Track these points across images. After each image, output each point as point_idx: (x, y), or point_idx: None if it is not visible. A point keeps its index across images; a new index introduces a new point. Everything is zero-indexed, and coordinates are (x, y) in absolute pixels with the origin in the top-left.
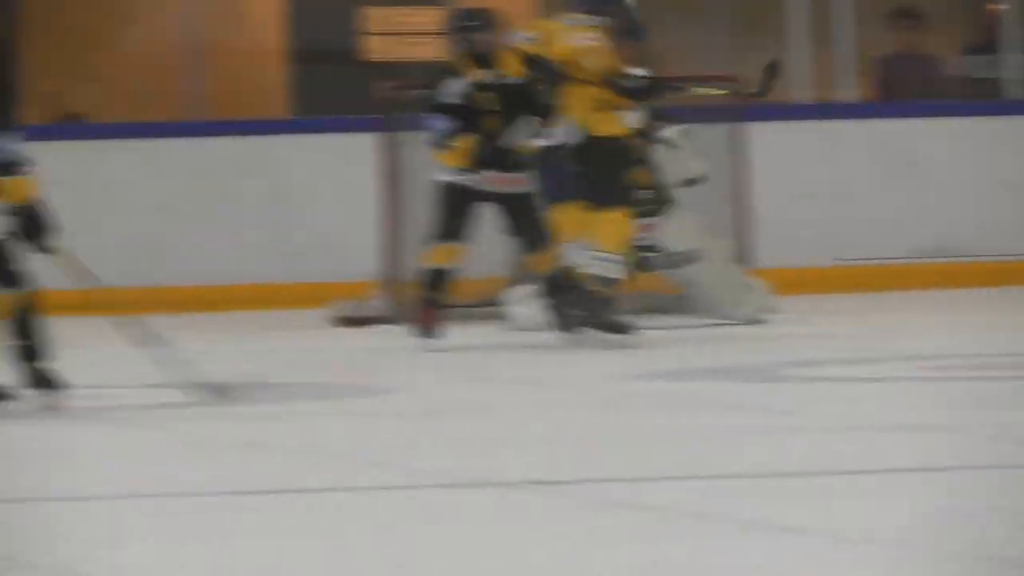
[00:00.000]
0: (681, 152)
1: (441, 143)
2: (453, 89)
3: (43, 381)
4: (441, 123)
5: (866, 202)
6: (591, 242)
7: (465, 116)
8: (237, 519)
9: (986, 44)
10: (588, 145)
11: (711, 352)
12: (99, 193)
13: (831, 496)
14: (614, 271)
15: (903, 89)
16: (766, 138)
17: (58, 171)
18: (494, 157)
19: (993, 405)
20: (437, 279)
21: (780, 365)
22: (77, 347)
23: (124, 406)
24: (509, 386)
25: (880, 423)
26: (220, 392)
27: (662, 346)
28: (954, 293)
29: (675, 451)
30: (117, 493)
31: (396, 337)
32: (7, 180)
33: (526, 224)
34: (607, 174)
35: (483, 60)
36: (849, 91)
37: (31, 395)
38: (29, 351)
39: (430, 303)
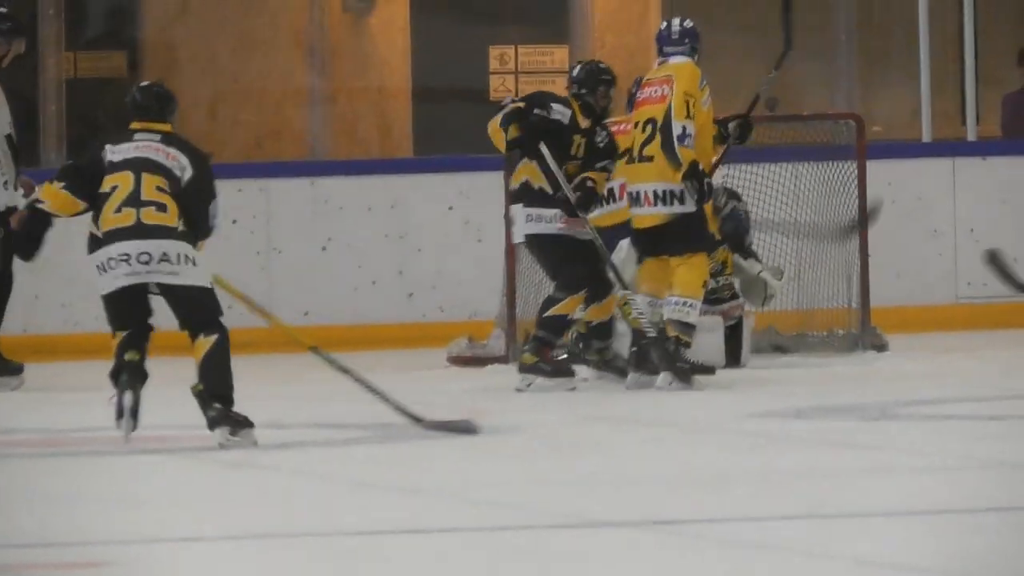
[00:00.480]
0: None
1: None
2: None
3: (226, 420)
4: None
5: (991, 240)
6: (671, 288)
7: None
8: (368, 557)
9: None
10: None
11: (826, 390)
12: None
13: (954, 533)
14: (692, 316)
15: None
16: (890, 175)
17: None
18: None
19: None
20: (564, 326)
21: (897, 403)
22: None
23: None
24: (623, 425)
25: (995, 460)
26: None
27: (776, 384)
28: None
29: (795, 490)
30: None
31: (512, 377)
32: None
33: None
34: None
35: (599, 114)
36: (976, 128)
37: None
38: (207, 394)
39: (551, 345)
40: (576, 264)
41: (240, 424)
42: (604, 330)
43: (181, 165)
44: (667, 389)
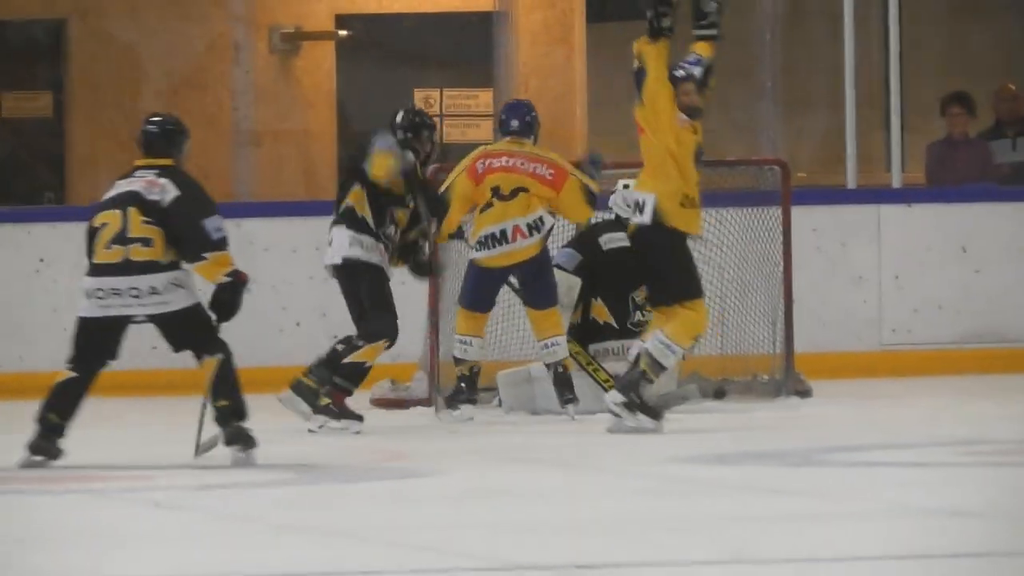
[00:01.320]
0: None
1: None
2: None
3: (240, 438)
4: None
5: (916, 286)
6: (661, 328)
7: None
8: None
9: (996, 129)
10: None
11: (750, 435)
12: None
13: None
14: (670, 360)
15: (954, 174)
16: (815, 221)
17: None
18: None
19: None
20: (363, 373)
21: (821, 450)
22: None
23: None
24: (546, 469)
25: (920, 508)
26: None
27: (699, 429)
28: (1005, 378)
29: (719, 536)
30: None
31: (435, 419)
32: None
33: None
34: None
35: (423, 160)
36: (901, 175)
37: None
38: (226, 411)
39: (347, 393)
40: (387, 312)
41: (250, 443)
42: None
43: (163, 191)
44: (621, 428)
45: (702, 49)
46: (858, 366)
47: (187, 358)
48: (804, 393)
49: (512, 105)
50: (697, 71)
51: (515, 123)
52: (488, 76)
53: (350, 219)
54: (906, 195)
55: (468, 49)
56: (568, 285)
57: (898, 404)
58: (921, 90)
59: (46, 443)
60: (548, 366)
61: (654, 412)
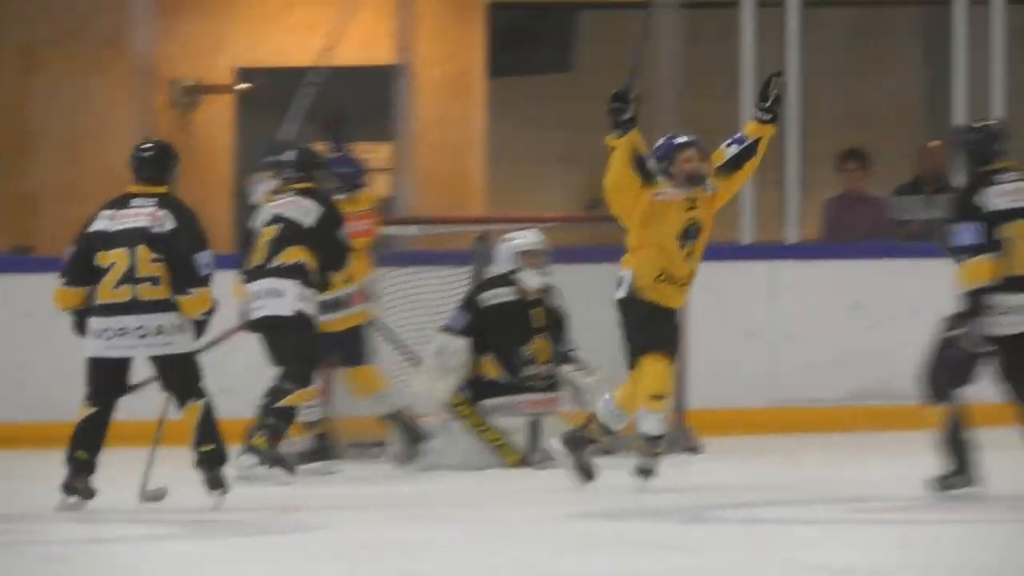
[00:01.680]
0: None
1: None
2: None
3: (219, 483)
4: None
5: (809, 343)
6: (611, 394)
7: None
8: None
9: (914, 185)
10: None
11: (642, 492)
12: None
13: None
14: (619, 425)
15: (850, 230)
16: (709, 277)
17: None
18: None
19: (918, 548)
20: (293, 416)
21: (711, 506)
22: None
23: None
24: (443, 523)
25: (812, 564)
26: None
27: (590, 484)
28: (896, 436)
29: None
30: None
31: (329, 474)
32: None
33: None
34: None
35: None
36: (795, 231)
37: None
38: (211, 456)
39: (282, 434)
40: (315, 358)
41: (226, 488)
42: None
43: (163, 223)
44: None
45: (752, 129)
46: (750, 422)
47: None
48: (695, 449)
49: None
50: (732, 149)
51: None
52: (387, 130)
53: (300, 274)
54: (801, 251)
55: (368, 102)
56: (454, 347)
57: (789, 461)
58: (819, 143)
59: (79, 483)
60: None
61: (587, 471)
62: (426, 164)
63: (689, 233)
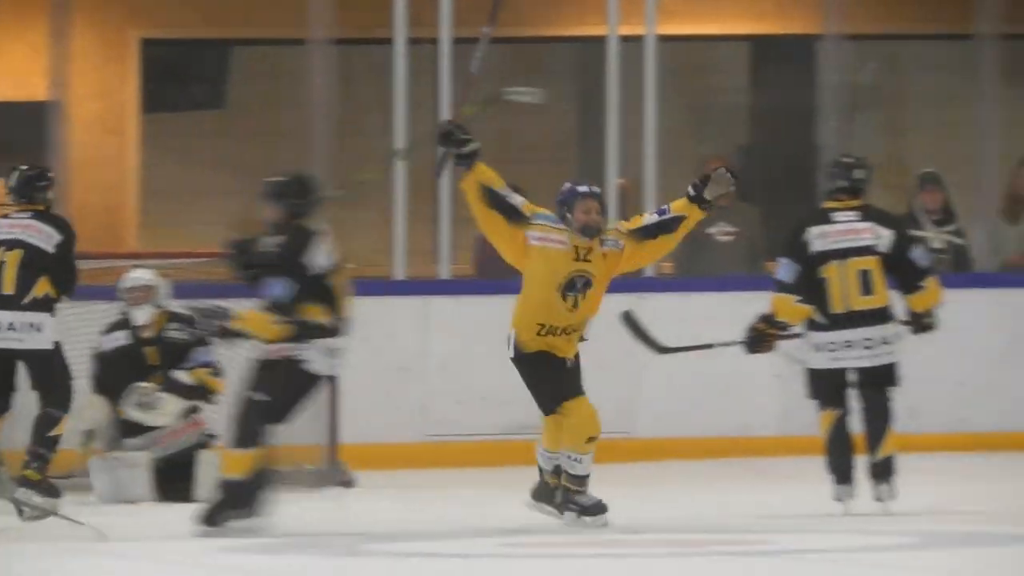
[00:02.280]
0: None
1: None
2: None
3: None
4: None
5: (461, 377)
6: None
7: None
8: None
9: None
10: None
11: (292, 526)
12: None
13: None
14: (583, 468)
15: (501, 265)
16: (361, 311)
17: None
18: None
19: None
20: (58, 442)
21: (365, 540)
22: None
23: None
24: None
25: None
26: None
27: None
28: None
29: None
30: None
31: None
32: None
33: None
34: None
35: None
36: (448, 267)
37: None
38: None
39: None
40: (71, 382)
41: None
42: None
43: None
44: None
45: (679, 206)
46: (402, 456)
47: None
48: (348, 483)
49: None
50: (650, 218)
51: None
52: (43, 165)
53: (50, 306)
54: (454, 287)
55: (22, 139)
56: (90, 404)
57: (442, 495)
58: None
59: None
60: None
61: (595, 509)
62: (80, 199)
63: (574, 285)
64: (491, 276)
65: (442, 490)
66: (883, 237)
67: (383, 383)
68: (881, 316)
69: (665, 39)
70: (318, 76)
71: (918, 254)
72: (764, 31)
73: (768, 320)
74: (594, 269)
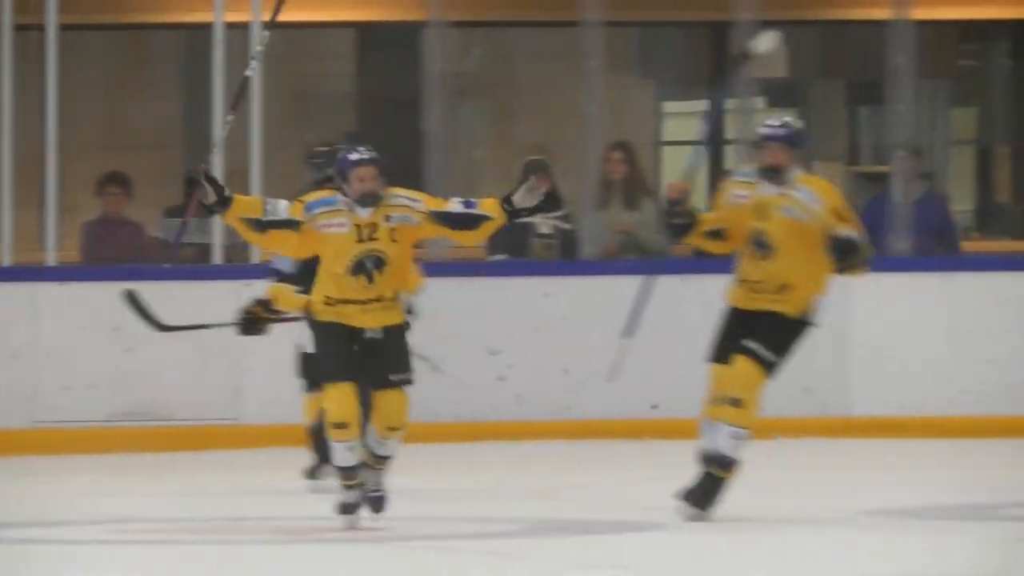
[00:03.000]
0: None
1: None
2: None
3: None
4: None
5: (69, 364)
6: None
7: None
8: None
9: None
10: None
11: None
12: None
13: None
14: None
15: (109, 253)
16: None
17: None
18: None
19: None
20: None
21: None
22: None
23: None
24: None
25: None
26: None
27: None
28: (157, 456)
29: None
30: None
31: None
32: None
33: None
34: None
35: None
36: (54, 254)
37: None
38: None
39: None
40: None
41: None
42: None
43: None
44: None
45: (488, 206)
46: (11, 443)
47: None
48: None
49: None
50: (455, 207)
51: None
52: None
53: None
54: (61, 273)
55: None
56: None
57: (52, 481)
58: (79, 168)
59: None
60: None
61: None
62: None
63: (363, 266)
64: (98, 263)
65: (51, 477)
66: None
67: None
68: None
69: (272, 26)
70: None
71: None
72: (370, 18)
73: (264, 304)
74: (383, 247)
